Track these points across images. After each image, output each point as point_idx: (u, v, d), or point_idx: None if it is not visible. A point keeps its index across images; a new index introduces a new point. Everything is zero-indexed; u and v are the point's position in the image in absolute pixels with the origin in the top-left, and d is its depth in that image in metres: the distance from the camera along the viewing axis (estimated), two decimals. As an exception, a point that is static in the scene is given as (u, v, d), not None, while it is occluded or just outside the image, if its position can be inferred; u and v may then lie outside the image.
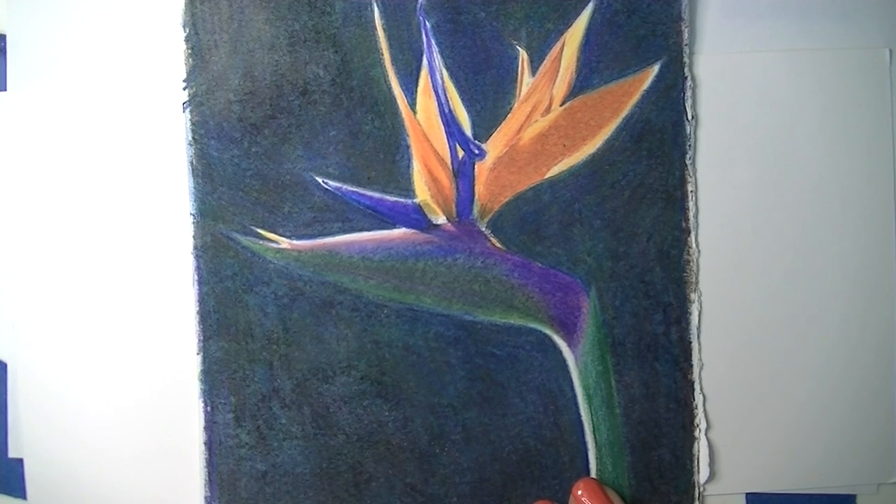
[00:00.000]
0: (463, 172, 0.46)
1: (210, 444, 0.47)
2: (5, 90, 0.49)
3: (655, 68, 0.47)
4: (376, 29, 0.46)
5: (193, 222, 0.47)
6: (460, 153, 0.46)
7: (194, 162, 0.47)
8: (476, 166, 0.46)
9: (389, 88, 0.46)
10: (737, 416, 0.48)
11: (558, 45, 0.46)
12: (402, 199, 0.47)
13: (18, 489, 0.49)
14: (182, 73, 0.47)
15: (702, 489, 0.48)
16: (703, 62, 0.47)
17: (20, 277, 0.49)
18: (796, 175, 0.48)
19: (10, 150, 0.49)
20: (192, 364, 0.47)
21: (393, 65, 0.46)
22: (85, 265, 0.48)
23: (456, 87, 0.46)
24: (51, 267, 0.48)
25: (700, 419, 0.47)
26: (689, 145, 0.47)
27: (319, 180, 0.47)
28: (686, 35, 0.46)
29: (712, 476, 0.48)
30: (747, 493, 0.49)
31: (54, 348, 0.48)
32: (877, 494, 0.49)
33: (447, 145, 0.46)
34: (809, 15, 0.48)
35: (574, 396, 0.47)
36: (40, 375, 0.49)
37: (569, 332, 0.47)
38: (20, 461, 0.49)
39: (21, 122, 0.48)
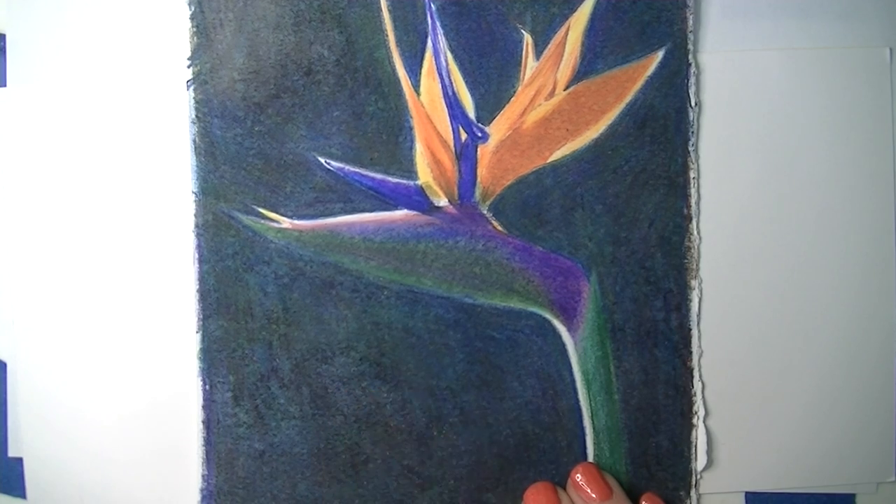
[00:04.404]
0: (465, 155, 0.47)
1: (208, 423, 0.47)
2: (5, 86, 0.49)
3: (660, 54, 0.47)
4: (381, 10, 0.46)
5: (195, 200, 0.47)
6: (463, 136, 0.46)
7: (197, 140, 0.47)
8: (479, 149, 0.47)
9: (394, 70, 0.46)
10: (735, 405, 0.48)
11: (563, 29, 0.46)
12: (404, 181, 0.47)
13: (18, 488, 0.49)
14: (187, 51, 0.47)
15: (699, 476, 0.48)
16: (704, 60, 0.47)
17: (20, 270, 0.49)
18: (797, 170, 0.48)
19: (11, 145, 0.49)
20: (191, 342, 0.47)
21: (397, 46, 0.46)
22: (86, 245, 0.48)
23: (460, 69, 0.46)
24: (51, 257, 0.48)
25: (698, 406, 0.47)
26: (692, 132, 0.47)
27: (322, 160, 0.47)
28: (691, 22, 0.46)
29: (710, 464, 0.48)
30: (746, 492, 0.49)
31: (54, 336, 0.48)
32: (876, 494, 0.49)
33: (450, 127, 0.46)
34: (810, 14, 0.48)
35: (573, 381, 0.47)
36: (41, 366, 0.48)
37: (569, 316, 0.47)
38: (20, 460, 0.49)
39: (22, 113, 0.48)
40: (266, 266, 0.47)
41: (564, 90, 0.46)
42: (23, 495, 0.49)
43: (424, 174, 0.47)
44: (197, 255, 0.47)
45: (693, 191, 0.47)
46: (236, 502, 0.47)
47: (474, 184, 0.47)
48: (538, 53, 0.46)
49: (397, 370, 0.47)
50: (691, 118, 0.47)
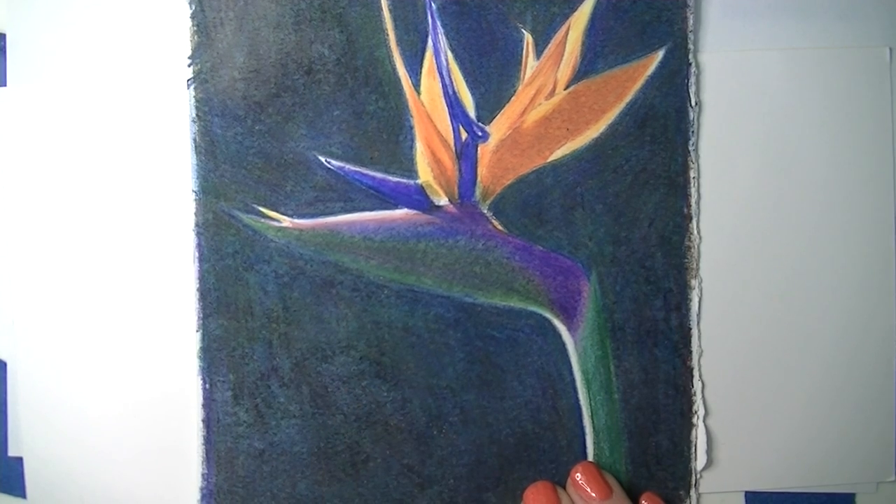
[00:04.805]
0: (466, 154, 0.47)
1: (208, 422, 0.47)
2: (5, 85, 0.49)
3: (660, 54, 0.47)
4: (382, 9, 0.46)
5: (195, 199, 0.47)
6: (463, 135, 0.47)
7: (197, 139, 0.47)
8: (479, 148, 0.47)
9: (394, 69, 0.46)
10: (735, 405, 0.48)
11: (563, 28, 0.46)
12: (404, 180, 0.47)
13: (18, 488, 0.49)
14: (187, 49, 0.47)
15: (699, 476, 0.48)
16: (704, 60, 0.47)
17: (20, 270, 0.48)
18: (797, 169, 0.48)
19: (11, 145, 0.49)
20: (191, 341, 0.47)
21: (398, 45, 0.46)
22: (87, 245, 0.48)
23: (460, 68, 0.46)
24: (51, 257, 0.48)
25: (698, 406, 0.47)
26: (693, 132, 0.47)
27: (322, 159, 0.47)
28: (691, 21, 0.47)
29: (709, 463, 0.48)
30: (746, 492, 0.49)
31: (54, 336, 0.48)
32: (876, 493, 0.49)
33: (450, 127, 0.46)
34: (810, 14, 0.48)
35: (573, 381, 0.47)
36: (41, 366, 0.48)
37: (569, 316, 0.47)
38: (20, 460, 0.49)
39: (22, 113, 0.48)
40: (266, 265, 0.47)
41: (565, 89, 0.47)
42: (23, 495, 0.49)
43: (425, 173, 0.47)
44: (197, 254, 0.47)
45: (693, 190, 0.47)
46: (236, 501, 0.47)
47: (474, 183, 0.47)
48: (538, 53, 0.46)
49: (397, 369, 0.47)
50: (691, 118, 0.47)
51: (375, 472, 0.47)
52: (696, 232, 0.47)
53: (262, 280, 0.47)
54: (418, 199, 0.47)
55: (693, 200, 0.47)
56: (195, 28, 0.46)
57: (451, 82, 0.46)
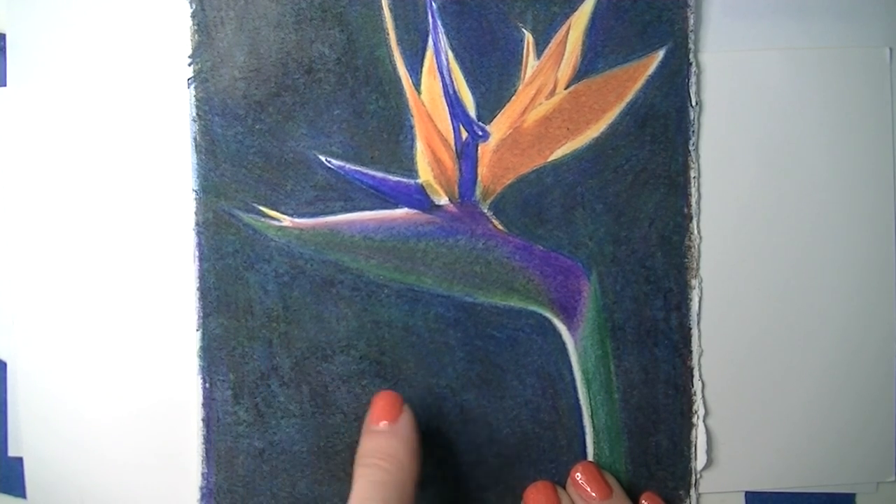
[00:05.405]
0: (466, 154, 0.47)
1: (208, 421, 0.47)
2: (5, 85, 0.49)
3: (660, 54, 0.47)
4: (382, 8, 0.46)
5: (195, 198, 0.47)
6: (464, 134, 0.46)
7: (198, 138, 0.47)
8: (479, 148, 0.47)
9: (394, 68, 0.46)
10: (735, 405, 0.48)
11: (564, 28, 0.46)
12: (404, 180, 0.47)
13: (18, 488, 0.49)
14: (188, 49, 0.47)
15: (699, 476, 0.48)
16: (704, 60, 0.47)
17: (20, 270, 0.48)
18: (797, 169, 0.48)
19: (11, 145, 0.48)
20: (191, 340, 0.47)
21: (398, 45, 0.46)
22: (87, 244, 0.48)
23: (461, 68, 0.46)
24: (51, 256, 0.48)
25: (698, 406, 0.47)
26: (693, 131, 0.47)
27: (323, 159, 0.47)
28: (692, 21, 0.46)
29: (709, 463, 0.48)
30: (746, 492, 0.49)
31: (54, 336, 0.48)
32: (876, 493, 0.49)
33: (451, 126, 0.46)
34: (810, 14, 0.48)
35: (573, 380, 0.47)
36: (41, 366, 0.48)
37: (569, 315, 0.47)
38: (20, 460, 0.49)
39: (22, 113, 0.48)
40: (266, 264, 0.47)
41: (565, 89, 0.47)
42: (23, 495, 0.49)
43: (425, 173, 0.47)
44: (197, 253, 0.47)
45: (693, 190, 0.47)
46: (236, 500, 0.47)
47: (475, 182, 0.47)
48: (539, 52, 0.46)
49: (397, 369, 0.47)
50: (692, 118, 0.47)
51: (375, 471, 0.47)
52: (696, 232, 0.47)
53: (262, 279, 0.47)
54: (418, 198, 0.47)
55: (693, 200, 0.47)
56: (195, 27, 0.46)
57: (452, 82, 0.46)
